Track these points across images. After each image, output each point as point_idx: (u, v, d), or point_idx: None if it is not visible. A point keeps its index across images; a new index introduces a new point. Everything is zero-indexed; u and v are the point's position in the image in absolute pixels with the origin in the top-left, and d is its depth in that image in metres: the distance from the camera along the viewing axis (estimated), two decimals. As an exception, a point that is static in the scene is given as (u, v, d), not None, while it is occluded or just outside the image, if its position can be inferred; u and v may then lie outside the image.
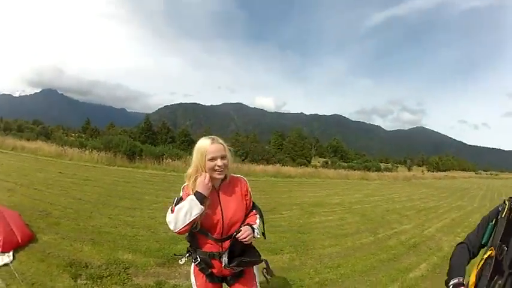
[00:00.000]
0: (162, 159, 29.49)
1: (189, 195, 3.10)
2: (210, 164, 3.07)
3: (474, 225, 2.86)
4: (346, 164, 74.73)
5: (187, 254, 3.41)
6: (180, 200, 3.16)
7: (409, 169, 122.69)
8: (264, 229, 3.44)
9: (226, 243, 3.18)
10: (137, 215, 10.96)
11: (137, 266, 6.59)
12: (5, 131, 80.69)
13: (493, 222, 2.74)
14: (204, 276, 3.35)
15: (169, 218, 3.10)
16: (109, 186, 15.91)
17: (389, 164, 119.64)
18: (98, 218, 9.99)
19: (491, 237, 2.71)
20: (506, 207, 2.61)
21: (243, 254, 3.17)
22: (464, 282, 2.57)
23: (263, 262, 3.41)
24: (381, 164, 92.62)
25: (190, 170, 3.21)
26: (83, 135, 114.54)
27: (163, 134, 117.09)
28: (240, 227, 3.22)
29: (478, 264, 2.60)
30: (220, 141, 3.19)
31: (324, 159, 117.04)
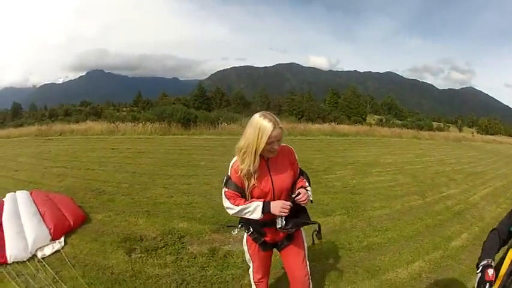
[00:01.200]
0: (218, 124, 29.27)
1: (237, 173, 3.21)
2: (268, 146, 3.09)
3: None
4: (400, 122, 73.77)
5: (240, 225, 3.53)
6: (229, 179, 3.29)
7: (460, 129, 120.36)
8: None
9: None
10: (193, 182, 11.04)
11: (192, 234, 6.67)
12: (51, 118, 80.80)
13: None
14: (257, 245, 3.53)
15: (228, 205, 3.26)
16: (164, 156, 16.03)
17: (441, 124, 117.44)
18: (152, 189, 10.10)
19: None
20: None
21: (297, 216, 3.25)
22: (493, 265, 2.53)
23: (315, 224, 3.46)
24: (433, 122, 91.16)
25: (242, 143, 3.21)
26: (135, 108, 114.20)
27: (217, 99, 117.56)
28: (291, 192, 3.31)
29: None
30: (281, 125, 3.15)
31: (379, 117, 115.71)
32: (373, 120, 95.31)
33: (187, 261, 5.69)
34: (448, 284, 5.64)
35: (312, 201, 3.42)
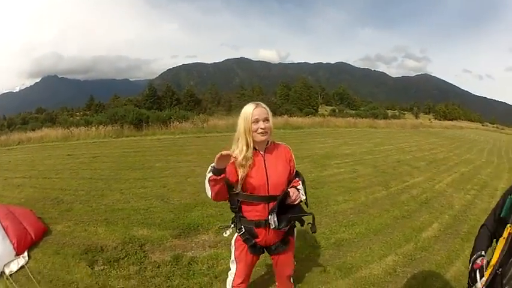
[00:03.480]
0: (170, 123, 29.47)
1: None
2: (254, 126, 3.21)
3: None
4: (353, 112, 74.69)
5: (232, 225, 3.54)
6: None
7: (417, 117, 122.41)
8: (306, 195, 3.50)
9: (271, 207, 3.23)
10: (149, 185, 10.98)
11: (153, 241, 6.60)
12: (10, 127, 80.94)
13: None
14: (246, 247, 3.47)
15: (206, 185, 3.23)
16: (119, 159, 15.96)
17: (396, 111, 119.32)
18: (109, 195, 10.00)
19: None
20: None
21: (289, 212, 3.23)
22: (484, 254, 2.58)
23: (309, 216, 3.40)
24: (388, 111, 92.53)
25: (236, 134, 3.37)
26: (88, 112, 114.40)
27: (168, 98, 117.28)
28: (283, 191, 3.25)
29: (500, 243, 2.47)
30: (264, 105, 3.33)
31: (331, 108, 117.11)
32: (326, 111, 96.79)
33: (151, 271, 5.65)
34: (426, 276, 5.73)
35: (306, 203, 3.52)
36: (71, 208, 8.90)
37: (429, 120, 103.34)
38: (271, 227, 3.14)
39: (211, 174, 3.04)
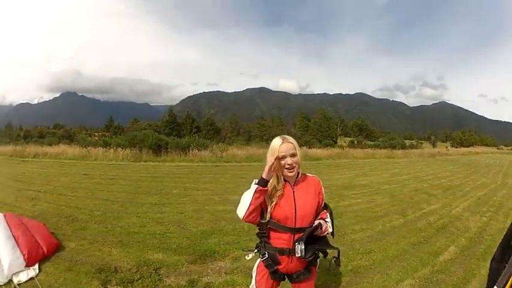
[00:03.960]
0: (189, 151, 29.35)
1: None
2: (281, 162, 3.18)
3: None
4: (372, 143, 74.63)
5: (256, 250, 3.50)
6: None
7: (434, 145, 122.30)
8: (333, 228, 3.47)
9: (298, 235, 3.19)
10: (166, 211, 10.86)
11: (168, 266, 6.46)
12: (26, 139, 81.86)
13: None
14: (267, 272, 3.38)
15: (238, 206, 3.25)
16: (136, 183, 15.87)
17: (413, 141, 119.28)
18: (125, 218, 9.92)
19: None
20: None
21: (316, 243, 3.19)
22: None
23: (334, 250, 3.35)
24: (405, 141, 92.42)
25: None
26: (107, 133, 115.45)
27: (188, 125, 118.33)
28: (311, 222, 3.27)
29: None
30: (291, 140, 3.28)
31: (350, 139, 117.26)
32: (344, 142, 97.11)
33: (166, 294, 5.49)
34: None
35: (332, 234, 3.43)
36: (85, 227, 8.86)
37: (446, 148, 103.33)
38: (297, 255, 3.07)
39: (258, 186, 3.05)
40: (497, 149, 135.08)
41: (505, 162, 46.69)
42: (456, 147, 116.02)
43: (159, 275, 6.06)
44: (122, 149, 28.37)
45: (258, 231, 3.41)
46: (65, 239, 7.70)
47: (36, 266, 6.06)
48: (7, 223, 6.96)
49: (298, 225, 3.22)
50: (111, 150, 28.14)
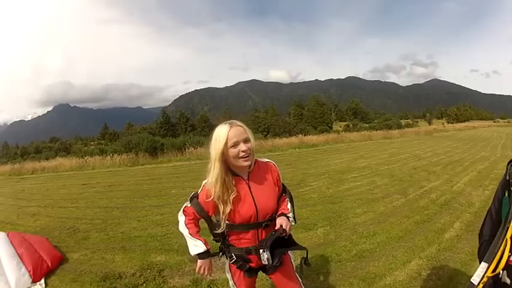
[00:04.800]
0: (185, 149, 29.50)
1: (208, 197, 2.92)
2: (233, 151, 2.76)
3: (500, 176, 2.62)
4: (367, 125, 75.06)
5: (221, 253, 3.22)
6: (195, 198, 3.09)
7: (430, 123, 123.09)
8: (294, 213, 3.16)
9: (262, 234, 3.00)
10: (166, 212, 10.88)
11: (171, 267, 6.49)
12: (23, 156, 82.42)
13: (507, 194, 2.51)
14: (242, 272, 3.19)
15: (181, 220, 3.18)
16: (134, 188, 15.92)
17: (409, 120, 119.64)
18: (126, 223, 9.96)
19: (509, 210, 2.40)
20: None
21: (282, 246, 2.93)
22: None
23: (302, 250, 3.13)
24: (401, 120, 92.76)
25: (209, 165, 2.93)
26: (102, 141, 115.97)
27: (182, 124, 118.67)
28: (273, 215, 3.04)
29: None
30: (239, 123, 2.88)
31: (345, 123, 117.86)
32: (340, 127, 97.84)
33: (172, 296, 5.51)
34: (451, 276, 5.63)
35: (295, 222, 3.17)
36: (87, 237, 8.90)
37: (442, 124, 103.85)
38: (263, 263, 2.82)
39: (197, 251, 2.99)
40: (494, 122, 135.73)
41: (502, 134, 47.07)
42: (452, 123, 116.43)
43: (163, 277, 6.09)
44: (118, 154, 28.45)
45: (212, 238, 3.16)
46: (68, 250, 7.74)
47: (43, 281, 6.11)
48: (10, 242, 7.00)
49: (260, 220, 2.98)
50: (108, 157, 28.20)
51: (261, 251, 2.80)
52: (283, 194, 3.25)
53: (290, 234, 3.03)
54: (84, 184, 18.29)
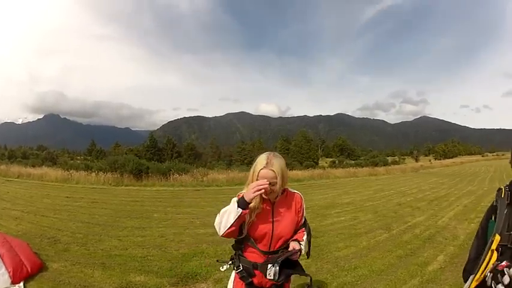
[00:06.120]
0: (170, 175, 29.20)
1: None
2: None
3: (486, 208, 2.76)
4: (353, 162, 74.90)
5: (230, 262, 3.40)
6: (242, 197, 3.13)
7: (417, 160, 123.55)
8: (309, 248, 3.43)
9: (272, 256, 3.12)
10: (147, 234, 10.87)
11: (150, 288, 6.47)
12: (10, 158, 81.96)
13: (493, 218, 2.71)
14: (244, 285, 3.30)
15: (216, 221, 3.17)
16: (117, 207, 15.85)
17: (396, 157, 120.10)
18: (107, 240, 9.92)
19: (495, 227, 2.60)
20: (505, 192, 2.57)
21: (289, 267, 3.11)
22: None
23: (306, 277, 3.28)
24: (387, 157, 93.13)
25: (248, 180, 3.19)
26: (89, 157, 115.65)
27: (168, 150, 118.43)
28: (288, 241, 3.25)
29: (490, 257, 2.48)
30: (274, 167, 3.08)
31: (331, 159, 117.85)
32: (326, 163, 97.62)
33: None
34: None
35: (308, 255, 3.42)
36: (67, 249, 8.91)
37: (429, 161, 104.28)
38: (269, 277, 2.98)
39: (242, 210, 2.96)
40: (482, 156, 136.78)
41: (490, 168, 47.86)
42: (439, 160, 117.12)
43: (141, 298, 6.03)
44: (104, 173, 28.29)
45: (234, 243, 3.35)
46: (48, 259, 7.75)
47: (22, 284, 6.16)
48: (-8, 240, 7.02)
49: (273, 246, 3.21)
50: (93, 174, 28.13)
51: (269, 265, 2.96)
52: (303, 228, 3.45)
53: (298, 261, 3.22)
54: (67, 197, 18.27)
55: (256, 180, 3.03)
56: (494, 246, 2.45)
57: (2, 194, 17.59)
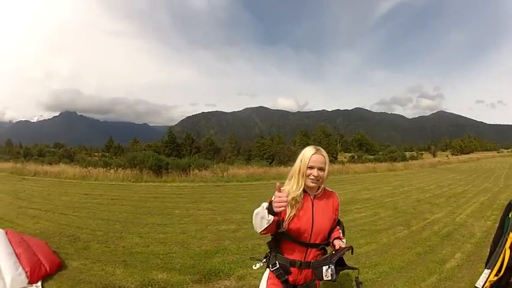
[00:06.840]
0: (189, 171, 29.17)
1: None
2: (308, 171, 3.13)
3: (503, 206, 2.76)
4: (372, 157, 74.77)
5: (265, 259, 3.41)
6: (271, 202, 3.03)
7: (434, 155, 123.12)
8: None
9: (311, 253, 3.21)
10: (169, 231, 10.78)
11: (173, 285, 6.42)
12: (26, 156, 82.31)
13: (510, 215, 2.84)
14: (279, 282, 3.28)
15: (252, 220, 3.14)
16: (137, 204, 15.78)
17: (414, 152, 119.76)
18: (128, 238, 9.85)
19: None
20: None
21: (337, 265, 3.06)
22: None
23: (355, 270, 3.31)
24: (406, 152, 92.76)
25: (290, 172, 3.27)
26: (107, 154, 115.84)
27: (187, 145, 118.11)
28: (327, 238, 3.32)
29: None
30: (323, 153, 3.25)
31: (350, 154, 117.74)
32: (345, 158, 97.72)
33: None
34: None
35: (352, 251, 3.24)
36: (88, 247, 8.84)
37: (447, 156, 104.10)
38: (325, 278, 2.96)
39: (272, 217, 2.90)
40: (498, 152, 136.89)
41: (505, 165, 48.05)
42: (456, 155, 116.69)
43: (163, 295, 5.92)
44: (123, 169, 28.24)
45: (270, 240, 3.34)
46: (68, 258, 7.67)
47: (39, 283, 6.07)
48: (8, 240, 6.96)
49: (312, 241, 3.19)
50: (112, 170, 28.06)
51: (325, 267, 2.96)
52: (338, 226, 3.48)
53: (342, 257, 3.14)
54: (86, 194, 18.22)
55: (307, 168, 3.12)
56: (508, 245, 2.54)
57: (18, 193, 17.61)
